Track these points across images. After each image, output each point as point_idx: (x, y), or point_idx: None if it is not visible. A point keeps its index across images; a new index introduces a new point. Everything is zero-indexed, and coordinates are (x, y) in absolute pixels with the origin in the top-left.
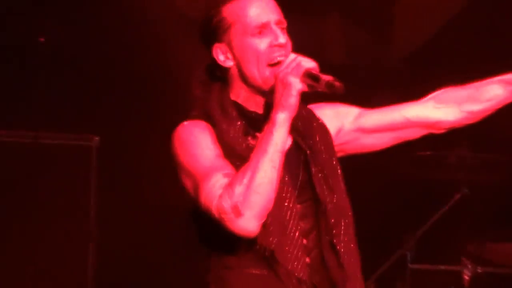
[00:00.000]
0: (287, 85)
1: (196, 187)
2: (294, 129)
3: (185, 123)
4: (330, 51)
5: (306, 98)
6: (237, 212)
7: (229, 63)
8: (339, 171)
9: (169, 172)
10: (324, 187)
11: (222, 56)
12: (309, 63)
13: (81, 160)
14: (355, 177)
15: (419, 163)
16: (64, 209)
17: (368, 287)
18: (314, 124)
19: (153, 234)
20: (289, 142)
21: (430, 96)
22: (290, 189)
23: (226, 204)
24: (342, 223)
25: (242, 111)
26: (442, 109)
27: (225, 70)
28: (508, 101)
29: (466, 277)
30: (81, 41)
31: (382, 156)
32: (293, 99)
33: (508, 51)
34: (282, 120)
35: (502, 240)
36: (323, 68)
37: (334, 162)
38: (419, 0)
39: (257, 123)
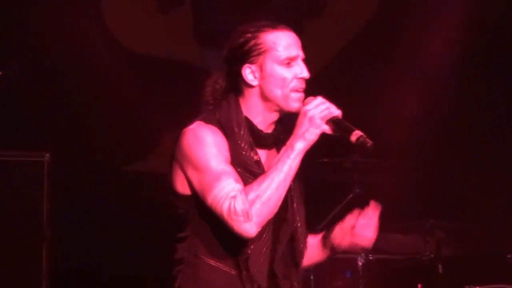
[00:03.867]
0: (314, 124)
1: (205, 184)
2: None
3: (202, 123)
4: None
5: None
6: (247, 216)
7: (255, 83)
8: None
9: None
10: (297, 216)
11: (251, 75)
12: (336, 111)
13: (35, 173)
14: None
15: (321, 167)
16: (21, 216)
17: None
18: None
19: (98, 236)
20: None
21: None
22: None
23: (239, 207)
24: (302, 243)
25: (251, 127)
26: None
27: (246, 88)
28: (321, 259)
29: (360, 263)
30: (33, 72)
31: None
32: (315, 136)
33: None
34: (300, 150)
35: (388, 231)
36: None
37: (300, 198)
38: (320, 29)
39: (262, 140)
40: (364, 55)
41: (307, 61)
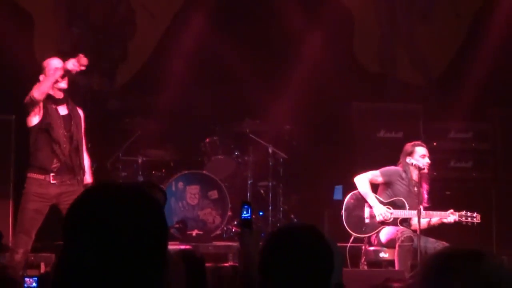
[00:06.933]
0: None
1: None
2: (70, 110)
3: None
4: None
5: None
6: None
7: (42, 78)
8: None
9: None
10: (75, 130)
11: (41, 76)
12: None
13: (3, 131)
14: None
15: None
16: None
17: None
18: (76, 113)
19: None
20: (66, 111)
21: None
22: (63, 123)
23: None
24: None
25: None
26: None
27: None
28: None
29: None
30: None
31: None
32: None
33: None
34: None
35: None
36: None
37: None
38: None
39: (59, 101)
40: None
41: None
